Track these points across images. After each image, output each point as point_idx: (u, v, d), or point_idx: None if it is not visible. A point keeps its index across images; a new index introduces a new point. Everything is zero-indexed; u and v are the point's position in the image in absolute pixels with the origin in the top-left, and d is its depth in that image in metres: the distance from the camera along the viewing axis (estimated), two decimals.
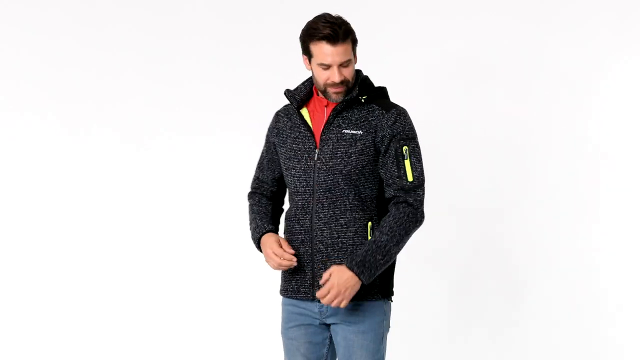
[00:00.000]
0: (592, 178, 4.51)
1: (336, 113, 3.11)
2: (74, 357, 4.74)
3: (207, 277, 4.80)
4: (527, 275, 4.59)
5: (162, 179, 4.80)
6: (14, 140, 4.74)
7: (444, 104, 4.58)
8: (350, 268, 2.98)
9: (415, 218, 3.02)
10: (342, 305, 2.97)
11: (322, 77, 3.08)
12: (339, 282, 2.95)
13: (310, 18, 3.11)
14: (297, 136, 3.16)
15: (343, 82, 3.07)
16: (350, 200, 3.08)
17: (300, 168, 3.13)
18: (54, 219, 4.76)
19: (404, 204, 3.04)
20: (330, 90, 3.10)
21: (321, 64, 3.06)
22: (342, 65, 3.05)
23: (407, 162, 3.05)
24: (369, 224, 3.08)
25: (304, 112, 3.18)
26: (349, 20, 3.10)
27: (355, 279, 2.97)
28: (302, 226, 3.13)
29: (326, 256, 3.10)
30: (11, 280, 4.73)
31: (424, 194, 3.06)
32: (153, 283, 4.79)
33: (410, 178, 3.05)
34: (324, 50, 3.03)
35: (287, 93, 3.16)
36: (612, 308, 4.52)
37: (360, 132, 3.09)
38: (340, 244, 3.09)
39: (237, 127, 4.77)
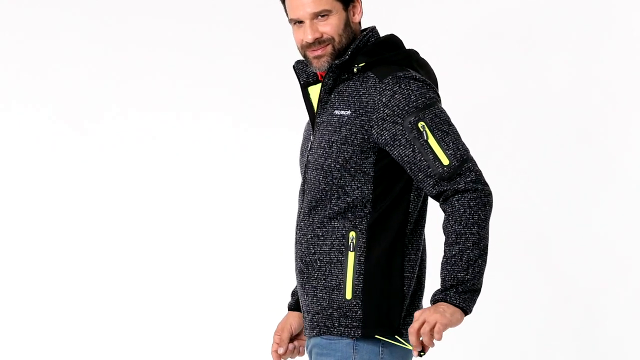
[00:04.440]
0: None
1: (328, 89, 2.57)
2: (73, 357, 4.63)
3: (206, 275, 4.65)
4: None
5: (166, 178, 4.68)
6: (14, 140, 4.65)
7: (480, 75, 4.21)
8: (439, 299, 2.46)
9: (481, 202, 2.43)
10: (434, 336, 2.39)
11: (297, 38, 2.57)
12: (429, 313, 2.42)
13: None
14: (307, 121, 2.71)
15: (322, 42, 2.52)
16: (332, 205, 2.53)
17: (302, 163, 2.67)
18: (57, 218, 4.65)
19: (457, 197, 2.44)
20: (309, 54, 2.55)
21: (292, 21, 2.56)
22: (318, 17, 2.51)
23: (431, 142, 2.43)
24: (351, 234, 2.50)
25: (315, 89, 2.65)
26: None
27: (447, 306, 2.40)
28: (295, 237, 2.68)
29: (306, 277, 2.58)
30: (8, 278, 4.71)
31: (474, 165, 2.47)
32: (156, 285, 4.66)
33: (445, 161, 2.43)
34: (292, 2, 2.54)
35: (297, 65, 2.68)
36: None
37: (349, 112, 2.50)
38: (318, 262, 2.54)
39: (245, 126, 4.67)
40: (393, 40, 2.57)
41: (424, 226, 2.57)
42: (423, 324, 2.37)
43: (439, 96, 2.53)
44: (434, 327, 2.36)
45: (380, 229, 2.49)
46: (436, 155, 2.42)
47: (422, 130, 2.42)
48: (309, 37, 2.49)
